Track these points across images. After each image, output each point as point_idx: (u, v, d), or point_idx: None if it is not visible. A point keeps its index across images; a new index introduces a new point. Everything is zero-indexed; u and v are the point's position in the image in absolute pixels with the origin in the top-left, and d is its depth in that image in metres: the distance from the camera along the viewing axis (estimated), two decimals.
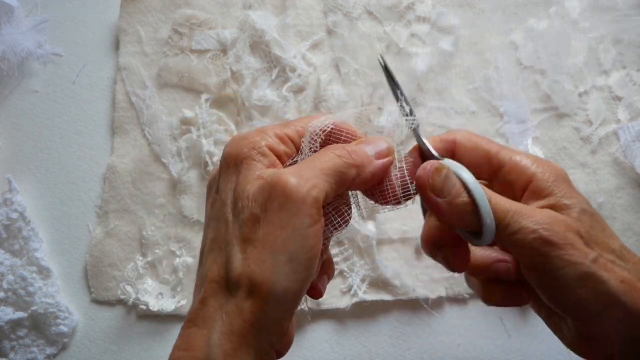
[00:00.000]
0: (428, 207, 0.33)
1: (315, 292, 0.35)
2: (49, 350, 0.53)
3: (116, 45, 0.61)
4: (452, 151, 0.35)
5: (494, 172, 0.34)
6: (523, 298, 0.36)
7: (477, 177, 0.32)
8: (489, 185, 0.34)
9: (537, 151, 0.56)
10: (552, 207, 0.32)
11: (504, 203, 0.31)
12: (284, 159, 0.32)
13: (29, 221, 0.56)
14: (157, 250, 0.55)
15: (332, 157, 0.30)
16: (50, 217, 0.57)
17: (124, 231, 0.56)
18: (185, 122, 0.58)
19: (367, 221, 0.54)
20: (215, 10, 0.61)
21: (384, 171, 0.33)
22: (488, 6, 0.60)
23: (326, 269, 0.36)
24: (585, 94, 0.58)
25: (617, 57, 0.58)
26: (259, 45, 0.59)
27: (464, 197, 0.31)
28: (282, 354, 0.31)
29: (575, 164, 0.56)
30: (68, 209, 0.57)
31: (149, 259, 0.55)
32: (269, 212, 0.28)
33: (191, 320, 0.29)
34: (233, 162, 0.31)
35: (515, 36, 0.59)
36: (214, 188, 0.32)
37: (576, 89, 0.58)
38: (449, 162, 0.32)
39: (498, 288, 0.37)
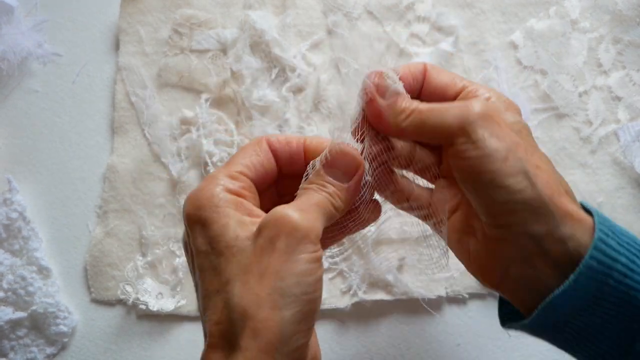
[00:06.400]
0: (368, 107, 0.34)
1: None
2: (49, 350, 0.53)
3: (116, 45, 0.61)
4: (423, 77, 0.37)
5: (457, 94, 0.36)
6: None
7: (442, 98, 0.36)
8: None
9: None
10: None
11: (437, 103, 0.34)
12: (243, 194, 0.33)
13: (29, 221, 0.56)
14: (157, 250, 0.55)
15: (321, 197, 0.32)
16: (50, 217, 0.57)
17: (124, 231, 0.56)
18: (185, 122, 0.58)
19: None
20: (215, 10, 0.61)
21: (358, 189, 0.35)
22: (488, 6, 0.60)
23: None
24: (585, 94, 0.58)
25: (617, 57, 0.58)
26: (259, 45, 0.59)
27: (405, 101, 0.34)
28: None
29: (575, 164, 0.56)
30: (68, 208, 0.57)
31: (149, 259, 0.55)
32: (277, 246, 0.29)
33: None
34: (199, 217, 0.31)
35: (515, 36, 0.59)
36: (189, 246, 0.33)
37: (576, 89, 0.58)
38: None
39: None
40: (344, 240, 0.54)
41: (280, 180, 0.37)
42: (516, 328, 0.34)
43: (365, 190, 0.36)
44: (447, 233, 0.37)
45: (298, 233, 0.29)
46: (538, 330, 0.33)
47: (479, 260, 0.35)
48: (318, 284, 0.30)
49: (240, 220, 0.31)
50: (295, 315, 0.28)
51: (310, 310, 0.29)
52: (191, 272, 0.33)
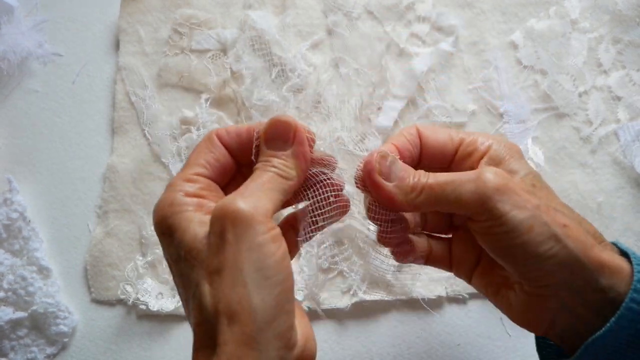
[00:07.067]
0: (376, 194, 0.34)
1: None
2: (49, 350, 0.53)
3: (116, 45, 0.61)
4: (419, 139, 0.37)
5: (456, 148, 0.36)
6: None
7: (441, 156, 0.36)
8: (449, 164, 0.37)
9: (537, 151, 0.56)
10: None
11: (446, 175, 0.34)
12: (203, 195, 0.33)
13: (29, 221, 0.56)
14: (157, 250, 0.55)
15: (268, 175, 0.32)
16: (51, 217, 0.57)
17: (124, 231, 0.56)
18: (185, 122, 0.58)
19: (367, 221, 0.54)
20: (215, 10, 0.61)
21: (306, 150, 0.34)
22: (488, 6, 0.60)
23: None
24: (585, 94, 0.58)
25: (617, 57, 0.58)
26: (259, 45, 0.59)
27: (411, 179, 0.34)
28: None
29: (575, 164, 0.56)
30: (68, 209, 0.57)
31: (149, 258, 0.55)
32: (226, 238, 0.29)
33: None
34: (164, 227, 0.32)
35: (515, 36, 0.59)
36: (166, 256, 0.33)
37: (576, 89, 0.58)
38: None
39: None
40: (345, 241, 0.54)
41: (243, 170, 0.36)
42: None
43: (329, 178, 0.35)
44: (480, 285, 0.38)
45: (242, 219, 0.28)
46: None
47: (522, 313, 0.35)
48: (281, 265, 0.29)
49: (200, 221, 0.31)
50: (265, 301, 0.28)
51: (280, 293, 0.28)
52: (174, 282, 0.33)
